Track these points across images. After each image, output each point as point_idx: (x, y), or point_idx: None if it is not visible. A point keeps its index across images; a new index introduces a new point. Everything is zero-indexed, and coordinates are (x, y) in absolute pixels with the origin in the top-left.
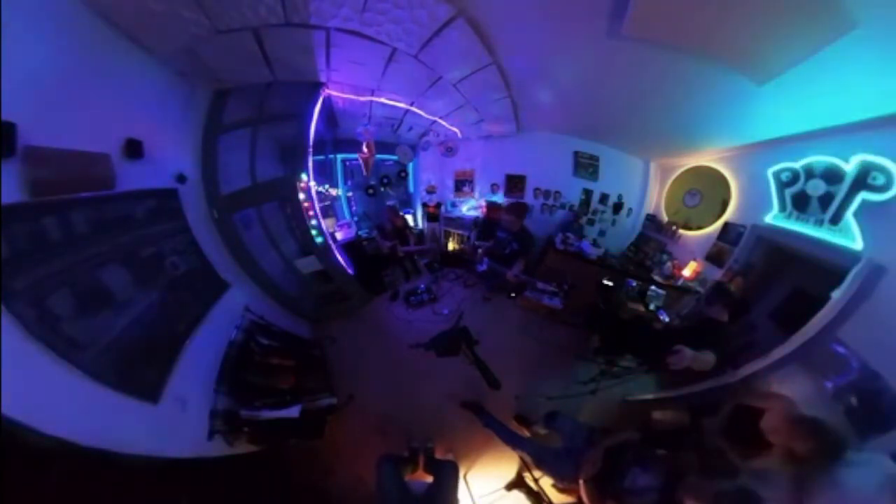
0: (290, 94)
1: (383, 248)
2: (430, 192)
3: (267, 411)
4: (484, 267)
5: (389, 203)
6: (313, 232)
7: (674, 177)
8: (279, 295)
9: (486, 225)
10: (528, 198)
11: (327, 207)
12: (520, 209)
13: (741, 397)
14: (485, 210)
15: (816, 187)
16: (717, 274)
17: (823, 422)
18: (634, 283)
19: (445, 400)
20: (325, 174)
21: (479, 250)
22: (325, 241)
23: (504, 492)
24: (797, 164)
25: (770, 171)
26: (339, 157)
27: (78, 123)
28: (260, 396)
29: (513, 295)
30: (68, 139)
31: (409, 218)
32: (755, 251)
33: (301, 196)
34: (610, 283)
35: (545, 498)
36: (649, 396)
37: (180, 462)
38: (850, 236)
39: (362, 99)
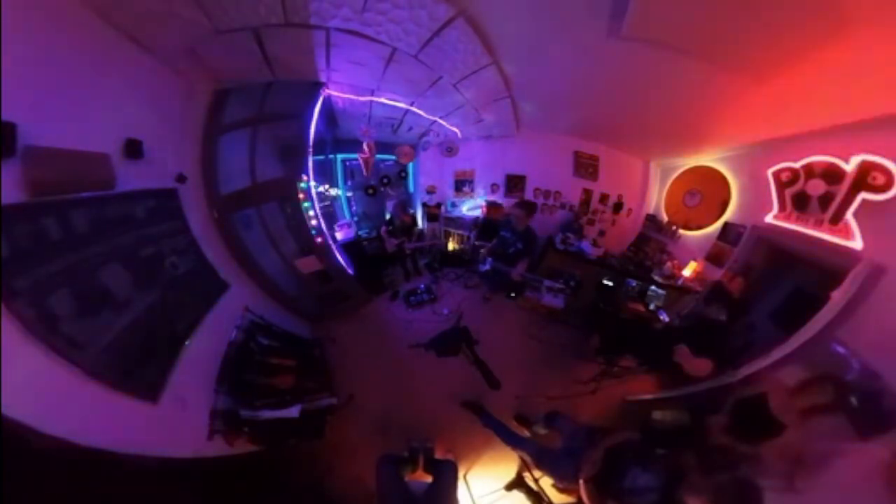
0: (290, 94)
1: (389, 245)
2: (430, 192)
3: (267, 411)
4: (487, 266)
5: (400, 199)
6: (313, 232)
7: (674, 177)
8: (279, 295)
9: (487, 225)
10: (528, 198)
11: (327, 207)
12: (530, 206)
13: (738, 393)
14: (485, 210)
15: (816, 187)
16: (717, 274)
17: (822, 373)
18: (634, 283)
19: (445, 400)
20: (325, 174)
21: (483, 250)
22: (325, 241)
23: (504, 492)
24: (797, 164)
25: (770, 171)
26: (339, 157)
27: (78, 123)
28: (260, 396)
29: (513, 295)
30: (68, 139)
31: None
32: (755, 251)
33: (301, 196)
34: (610, 283)
35: (545, 498)
36: (649, 396)
37: (180, 462)
38: (850, 236)
39: (362, 99)
